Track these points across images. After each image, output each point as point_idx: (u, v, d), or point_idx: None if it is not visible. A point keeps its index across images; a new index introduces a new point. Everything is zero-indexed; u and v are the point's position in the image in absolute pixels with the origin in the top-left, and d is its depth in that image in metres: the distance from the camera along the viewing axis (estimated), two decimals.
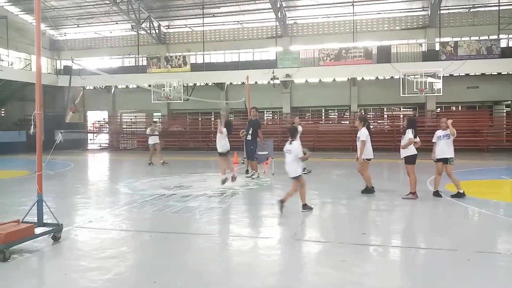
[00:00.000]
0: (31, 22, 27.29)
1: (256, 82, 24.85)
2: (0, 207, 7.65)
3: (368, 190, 8.65)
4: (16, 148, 22.64)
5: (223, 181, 9.75)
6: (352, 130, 23.85)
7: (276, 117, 27.79)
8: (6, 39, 25.13)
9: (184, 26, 28.70)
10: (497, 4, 22.36)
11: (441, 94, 21.36)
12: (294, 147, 7.03)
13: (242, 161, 13.94)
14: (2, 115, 27.20)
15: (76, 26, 29.14)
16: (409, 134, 8.18)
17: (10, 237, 4.66)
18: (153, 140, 15.87)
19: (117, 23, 28.53)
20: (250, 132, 11.52)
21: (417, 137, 8.27)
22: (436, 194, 8.25)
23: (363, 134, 8.54)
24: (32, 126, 5.51)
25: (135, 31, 27.86)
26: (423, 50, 23.52)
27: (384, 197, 8.36)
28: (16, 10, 27.06)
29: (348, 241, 5.32)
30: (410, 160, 8.23)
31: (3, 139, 22.77)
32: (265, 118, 27.59)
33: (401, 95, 21.53)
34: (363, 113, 24.32)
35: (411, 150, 8.20)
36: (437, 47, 22.77)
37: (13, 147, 22.61)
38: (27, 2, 24.67)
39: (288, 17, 26.12)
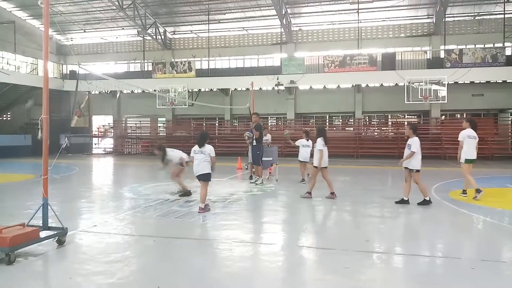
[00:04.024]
0: (38, 27, 27.59)
1: (260, 88, 24.93)
2: (5, 210, 7.70)
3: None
4: (22, 152, 22.81)
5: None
6: (356, 137, 23.86)
7: (280, 123, 27.80)
8: (14, 44, 25.41)
9: (190, 32, 28.90)
10: (503, 12, 22.36)
11: (446, 101, 21.33)
12: None
13: (246, 166, 13.95)
14: (9, 119, 27.40)
15: (83, 31, 29.41)
16: (319, 143, 8.75)
17: (16, 241, 4.69)
18: None
19: (123, 29, 28.77)
20: (254, 137, 11.49)
21: (326, 145, 8.82)
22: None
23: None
24: (39, 131, 5.55)
25: (141, 37, 28.03)
26: (428, 57, 23.50)
27: (388, 204, 8.34)
28: (24, 15, 27.38)
29: (351, 248, 5.31)
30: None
31: (9, 142, 22.94)
32: (269, 124, 27.61)
33: (406, 102, 21.53)
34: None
35: (324, 161, 8.76)
36: (442, 55, 22.77)
37: (19, 151, 22.78)
38: (34, 7, 24.93)
39: (293, 24, 26.23)
